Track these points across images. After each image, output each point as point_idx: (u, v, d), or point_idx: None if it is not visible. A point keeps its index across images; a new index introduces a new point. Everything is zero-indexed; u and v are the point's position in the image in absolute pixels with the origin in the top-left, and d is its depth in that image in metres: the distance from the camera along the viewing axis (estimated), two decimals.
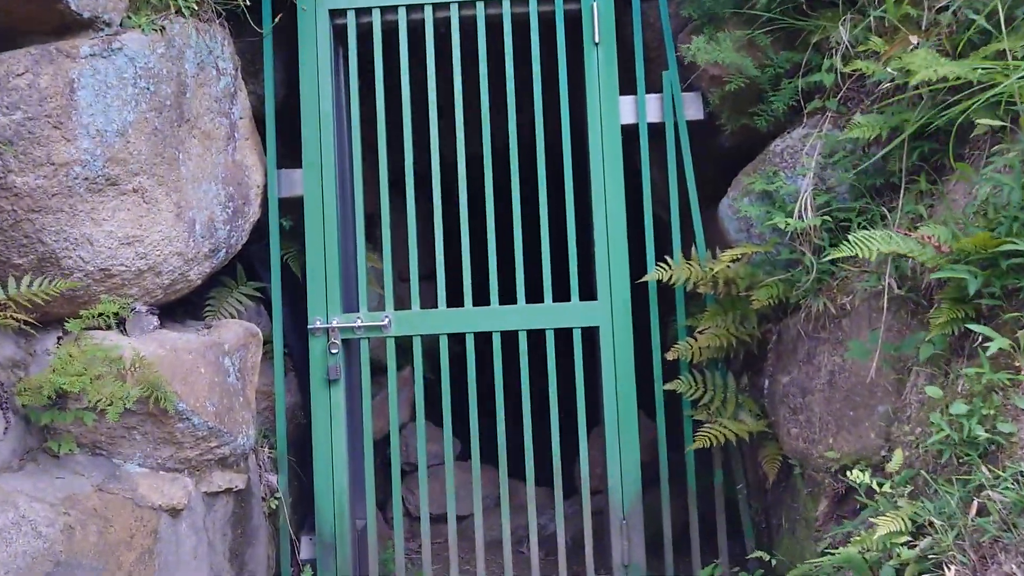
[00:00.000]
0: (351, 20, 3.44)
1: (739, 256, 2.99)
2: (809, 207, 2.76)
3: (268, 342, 3.45)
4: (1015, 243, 2.04)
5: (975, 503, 1.89)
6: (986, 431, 1.98)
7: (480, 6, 3.44)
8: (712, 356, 3.16)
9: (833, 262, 2.70)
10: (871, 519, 2.02)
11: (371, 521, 3.36)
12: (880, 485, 2.11)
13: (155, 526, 2.61)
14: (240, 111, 3.29)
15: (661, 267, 3.18)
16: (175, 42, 2.90)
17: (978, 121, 2.28)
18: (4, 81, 2.50)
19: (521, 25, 3.51)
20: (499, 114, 3.53)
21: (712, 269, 3.05)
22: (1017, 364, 2.02)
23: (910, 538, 1.98)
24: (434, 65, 3.44)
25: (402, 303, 3.76)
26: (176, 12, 2.92)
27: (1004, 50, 2.30)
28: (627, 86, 3.45)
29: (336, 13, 3.46)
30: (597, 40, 3.39)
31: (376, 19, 3.46)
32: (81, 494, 2.43)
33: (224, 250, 3.16)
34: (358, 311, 3.41)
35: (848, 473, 2.23)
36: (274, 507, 3.33)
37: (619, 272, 3.34)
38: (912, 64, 2.36)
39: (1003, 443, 1.96)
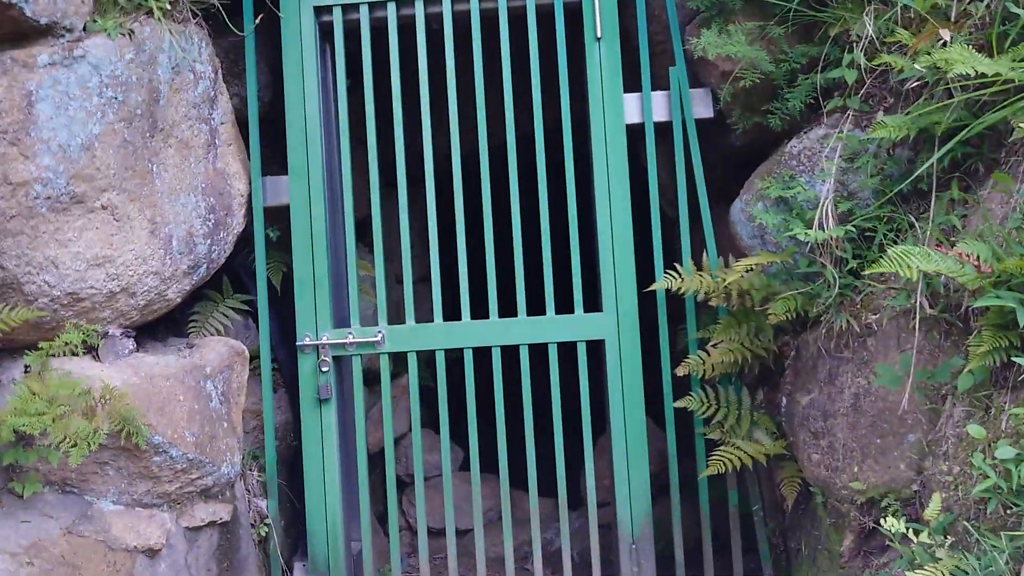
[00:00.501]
0: (337, 17, 3.23)
1: (753, 266, 2.79)
2: (830, 216, 2.55)
3: (256, 357, 3.27)
4: None
5: None
6: None
7: (474, 0, 3.22)
8: (725, 371, 2.97)
9: (857, 275, 2.50)
10: (907, 574, 1.82)
11: (366, 546, 3.19)
12: (916, 533, 1.91)
13: (130, 569, 2.44)
14: (221, 116, 3.09)
15: (670, 275, 2.99)
16: (146, 46, 2.70)
17: (1018, 124, 2.07)
18: None
19: (518, 20, 3.29)
20: (497, 115, 3.34)
21: (724, 280, 2.85)
22: None
23: None
24: (426, 63, 3.23)
25: (397, 309, 3.56)
26: (147, 14, 2.72)
27: None
28: (631, 83, 3.24)
29: (321, 10, 3.24)
30: (599, 35, 3.17)
31: (364, 15, 3.24)
32: (47, 539, 2.27)
33: (205, 265, 2.97)
34: (350, 326, 3.23)
35: (881, 518, 2.03)
36: (264, 534, 3.16)
37: (625, 282, 3.14)
38: (946, 60, 2.14)
39: None
